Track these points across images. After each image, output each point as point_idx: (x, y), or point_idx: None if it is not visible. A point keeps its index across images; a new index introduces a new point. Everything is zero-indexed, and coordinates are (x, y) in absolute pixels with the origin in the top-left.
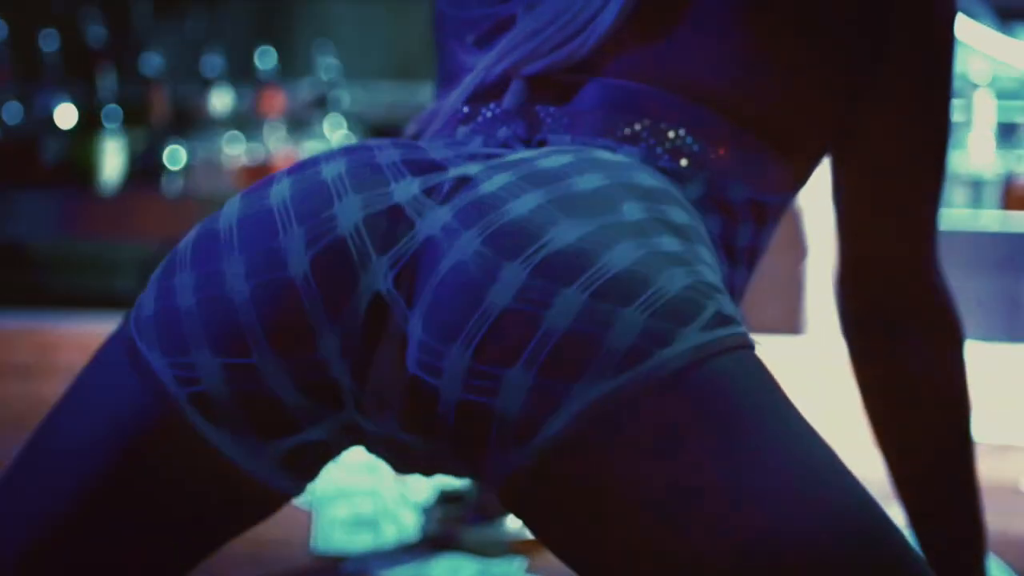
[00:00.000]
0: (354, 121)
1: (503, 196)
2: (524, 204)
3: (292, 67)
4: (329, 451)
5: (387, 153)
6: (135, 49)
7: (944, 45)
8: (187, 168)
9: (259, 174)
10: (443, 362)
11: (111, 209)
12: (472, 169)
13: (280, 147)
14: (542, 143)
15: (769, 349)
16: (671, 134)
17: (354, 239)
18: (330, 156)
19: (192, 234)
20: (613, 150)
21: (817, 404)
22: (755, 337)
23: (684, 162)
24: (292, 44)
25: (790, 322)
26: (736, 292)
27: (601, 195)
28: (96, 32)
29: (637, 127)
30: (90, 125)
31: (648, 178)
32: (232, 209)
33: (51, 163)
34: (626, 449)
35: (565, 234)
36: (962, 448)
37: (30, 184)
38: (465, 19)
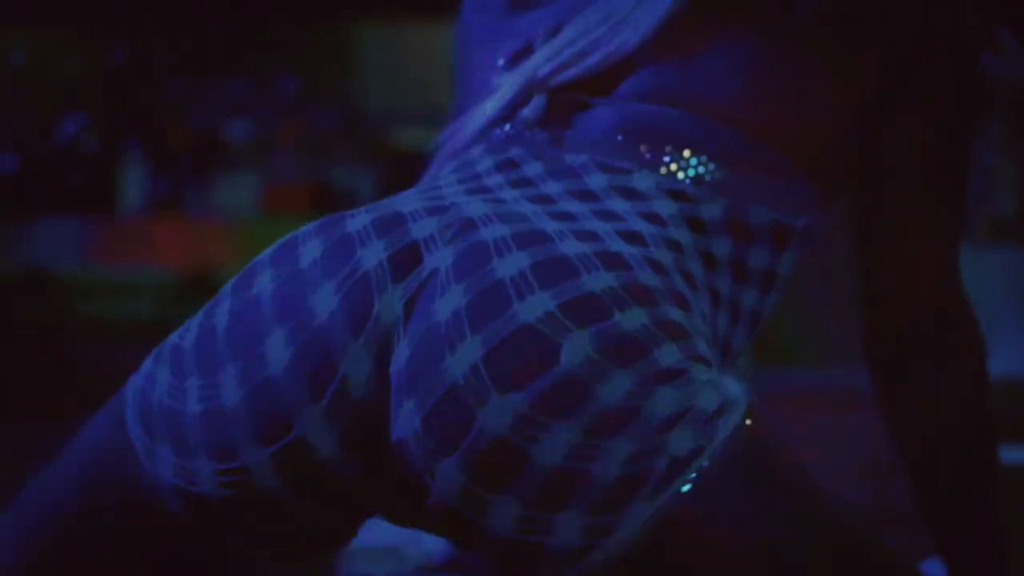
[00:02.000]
0: (376, 147)
1: (492, 253)
2: (509, 266)
3: (315, 94)
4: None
5: (410, 203)
6: (157, 75)
7: (971, 68)
8: (210, 193)
9: (280, 199)
10: (435, 480)
11: (133, 234)
12: (477, 211)
13: (302, 173)
14: (555, 163)
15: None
16: (692, 160)
17: (376, 272)
18: (355, 213)
19: (193, 332)
20: (629, 172)
21: None
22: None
23: (703, 187)
24: (315, 71)
25: None
26: (745, 312)
27: (573, 264)
28: (120, 59)
29: (657, 151)
30: (113, 151)
31: (666, 208)
32: (264, 278)
33: (73, 189)
34: (684, 547)
35: (527, 311)
36: (987, 471)
37: (53, 210)
38: (491, 32)
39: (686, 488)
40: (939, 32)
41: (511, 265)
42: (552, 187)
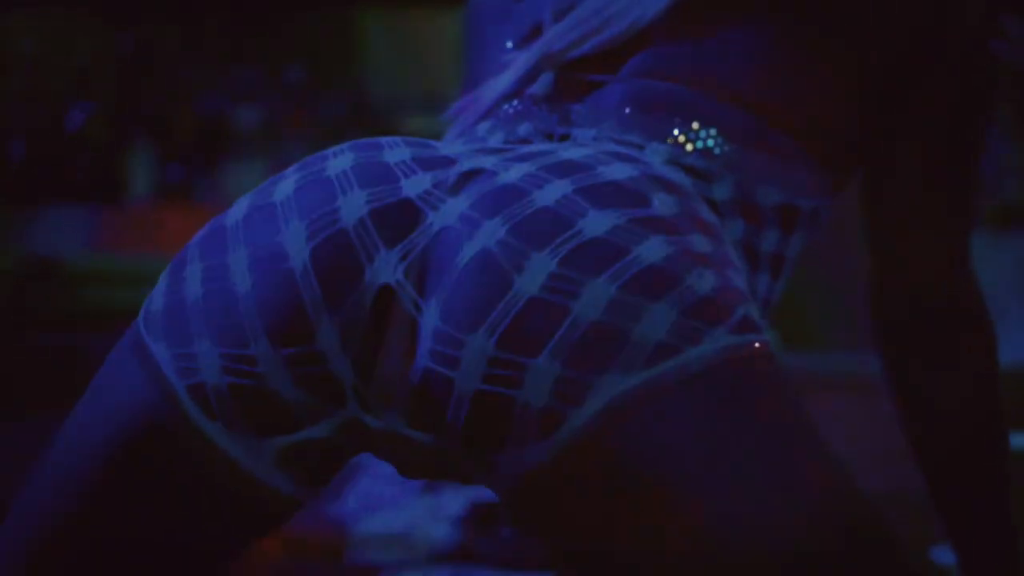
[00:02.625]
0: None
1: (525, 186)
2: (550, 194)
3: (323, 81)
4: (334, 453)
5: (397, 151)
6: (166, 63)
7: (986, 56)
8: (218, 180)
9: None
10: (462, 351)
11: (142, 221)
12: (487, 161)
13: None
14: (565, 138)
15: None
16: (702, 133)
17: (358, 232)
18: (338, 152)
19: (203, 230)
20: (641, 147)
21: None
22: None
23: (713, 162)
24: (323, 58)
25: None
26: (758, 298)
27: (630, 186)
28: (127, 46)
29: (666, 124)
30: (120, 139)
31: (676, 175)
32: (240, 205)
33: (82, 177)
34: (649, 445)
35: (595, 225)
36: (997, 459)
37: (61, 198)
38: (502, 12)
39: (665, 374)
40: (947, 17)
41: (552, 192)
42: (570, 152)
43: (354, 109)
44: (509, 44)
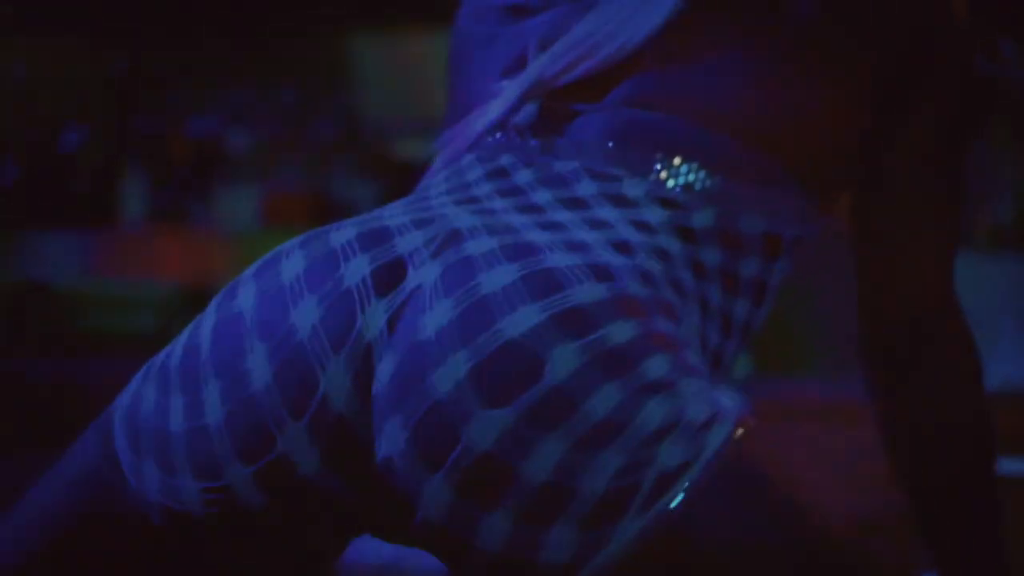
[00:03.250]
0: (376, 158)
1: (479, 267)
2: (496, 280)
3: (316, 104)
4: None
5: (396, 217)
6: (158, 88)
7: (967, 74)
8: (211, 205)
9: (280, 210)
10: (422, 487)
11: (135, 246)
12: (464, 223)
13: (302, 184)
14: (545, 170)
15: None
16: (683, 168)
17: (359, 289)
18: (341, 226)
19: (179, 351)
20: (619, 179)
21: None
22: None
23: (693, 195)
24: (315, 82)
25: None
26: (735, 323)
27: (564, 275)
28: (120, 70)
29: (648, 160)
30: (114, 163)
31: (646, 213)
32: (247, 292)
33: (75, 201)
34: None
35: (515, 325)
36: (985, 483)
37: (54, 222)
38: (488, 40)
39: (676, 501)
40: (935, 38)
41: (498, 278)
42: (542, 196)
43: (346, 133)
44: (498, 68)
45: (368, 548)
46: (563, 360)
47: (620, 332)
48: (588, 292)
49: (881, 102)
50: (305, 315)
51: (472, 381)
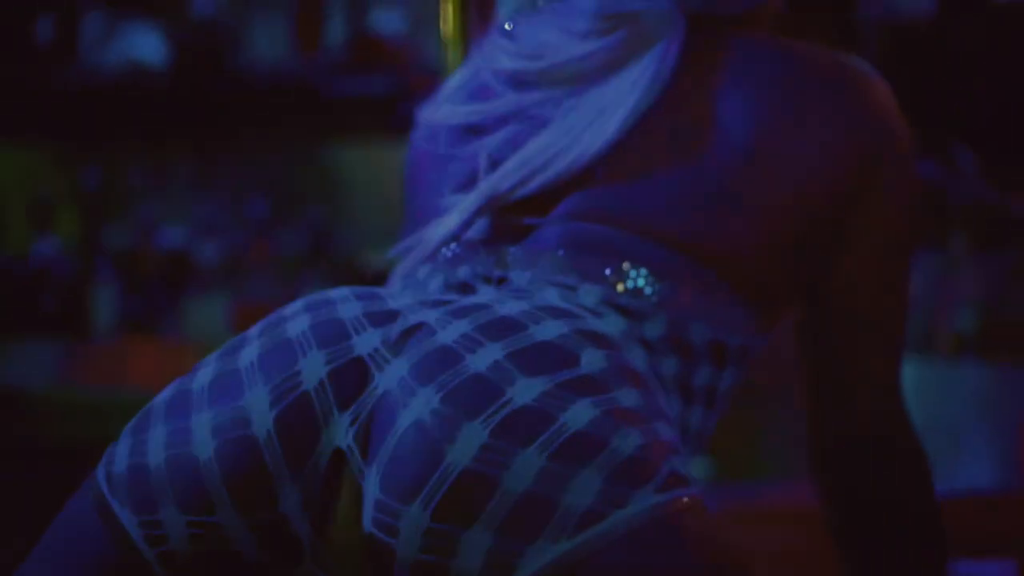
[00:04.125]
0: (349, 268)
1: (460, 350)
2: (482, 360)
3: (284, 215)
4: None
5: (349, 306)
6: (128, 201)
7: (910, 195)
8: (181, 315)
9: (251, 320)
10: (400, 522)
11: (106, 357)
12: (429, 316)
13: (272, 294)
14: (503, 281)
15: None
16: (632, 273)
17: (319, 394)
18: (295, 312)
19: (167, 391)
20: (574, 288)
21: None
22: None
23: (644, 301)
24: (284, 192)
25: None
26: (691, 432)
27: (560, 346)
28: (89, 183)
29: (599, 266)
30: (85, 274)
31: (606, 323)
32: (206, 370)
33: (46, 311)
34: None
35: (524, 393)
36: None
37: (26, 332)
38: (443, 159)
39: (592, 541)
40: (874, 170)
41: (486, 357)
42: (507, 307)
43: (316, 243)
44: (452, 184)
45: None
46: (578, 414)
47: (591, 362)
48: (590, 359)
49: (818, 229)
50: (257, 408)
51: (493, 440)
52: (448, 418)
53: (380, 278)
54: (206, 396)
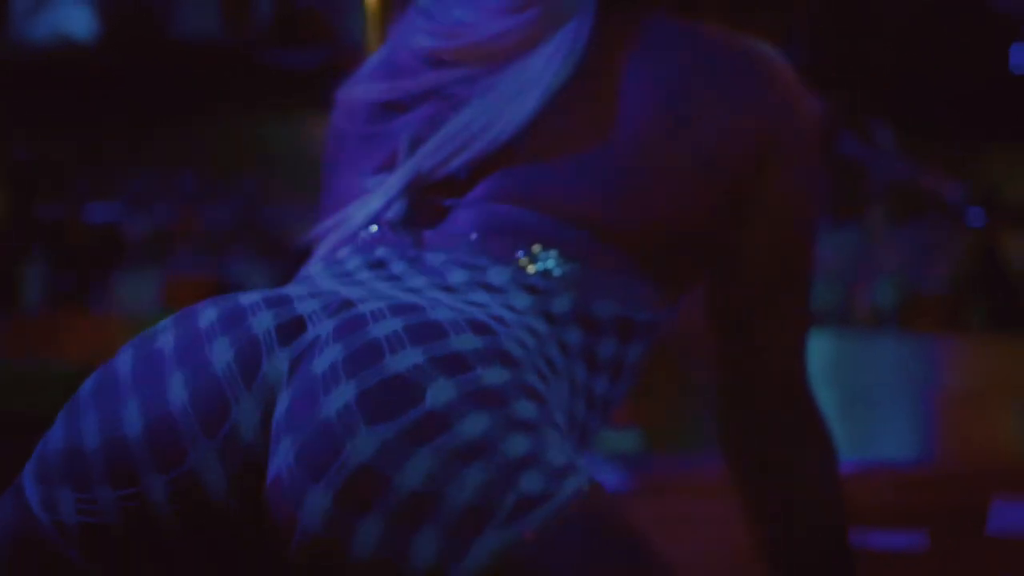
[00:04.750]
0: (277, 242)
1: (384, 348)
2: (402, 361)
3: (213, 189)
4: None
5: (295, 288)
6: (58, 175)
7: (812, 173)
8: (110, 288)
9: (180, 294)
10: (306, 497)
11: (35, 329)
12: (354, 293)
13: (201, 268)
14: (416, 262)
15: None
16: (542, 255)
17: (226, 376)
18: (250, 293)
19: (93, 379)
20: (484, 269)
21: None
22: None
23: (553, 281)
24: (214, 166)
25: None
26: (597, 399)
27: (469, 359)
28: (20, 153)
29: (510, 248)
30: (15, 248)
31: (512, 299)
32: (126, 356)
33: None
34: None
35: (437, 395)
36: (844, 559)
37: None
38: (362, 138)
39: (534, 526)
40: (777, 145)
41: (385, 327)
42: (418, 281)
43: (245, 217)
44: (369, 170)
45: None
46: (440, 390)
47: (494, 376)
48: (467, 341)
49: (722, 206)
50: (219, 352)
51: (359, 404)
52: (338, 371)
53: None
54: (174, 357)
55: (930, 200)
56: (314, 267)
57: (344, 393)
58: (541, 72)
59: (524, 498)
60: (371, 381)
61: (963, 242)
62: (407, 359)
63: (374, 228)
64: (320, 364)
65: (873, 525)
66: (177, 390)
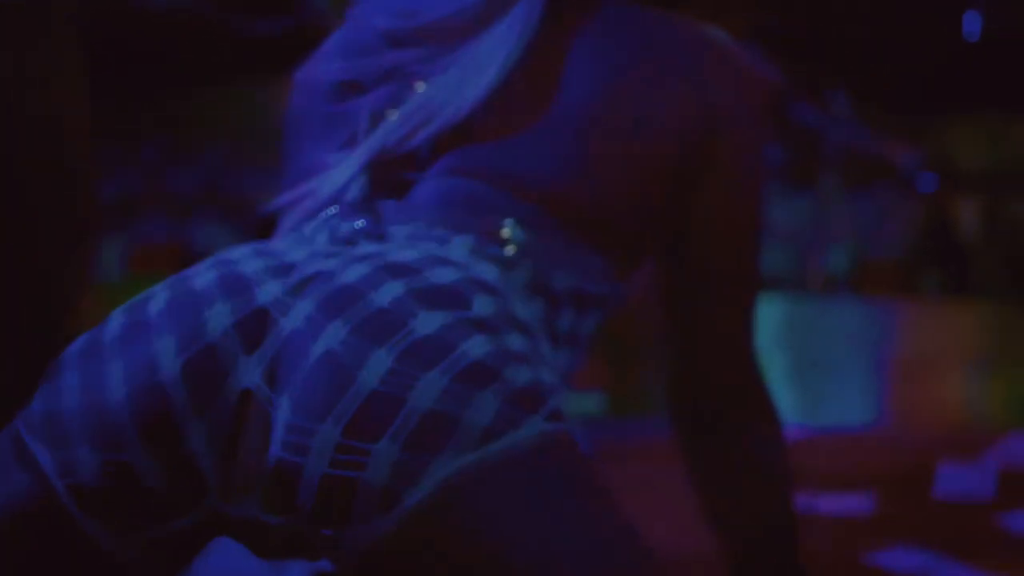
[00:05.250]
0: (241, 208)
1: (363, 287)
2: (385, 295)
3: (178, 157)
4: (197, 538)
5: (251, 262)
6: None
7: (759, 154)
8: None
9: (145, 260)
10: (312, 439)
11: None
12: (326, 264)
13: (166, 234)
14: (381, 236)
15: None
16: (500, 226)
17: (223, 343)
18: (204, 269)
19: (80, 341)
20: (447, 241)
21: None
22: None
23: (511, 252)
24: (178, 134)
25: None
26: (559, 368)
27: (454, 289)
28: None
29: (470, 220)
30: None
31: (487, 271)
32: (116, 322)
33: None
34: (479, 515)
35: (426, 324)
36: (788, 522)
37: None
38: (323, 115)
39: (493, 455)
40: (724, 124)
41: (389, 292)
42: (400, 254)
43: (209, 184)
44: (330, 147)
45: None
46: (429, 321)
47: (483, 307)
48: (482, 304)
49: (669, 185)
50: (166, 358)
51: (398, 365)
52: (356, 346)
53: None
54: (118, 345)
55: (884, 167)
56: (283, 242)
57: (338, 331)
58: (497, 49)
59: (486, 426)
60: (360, 315)
61: (916, 209)
62: (389, 293)
63: (338, 203)
64: (298, 320)
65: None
66: (116, 385)
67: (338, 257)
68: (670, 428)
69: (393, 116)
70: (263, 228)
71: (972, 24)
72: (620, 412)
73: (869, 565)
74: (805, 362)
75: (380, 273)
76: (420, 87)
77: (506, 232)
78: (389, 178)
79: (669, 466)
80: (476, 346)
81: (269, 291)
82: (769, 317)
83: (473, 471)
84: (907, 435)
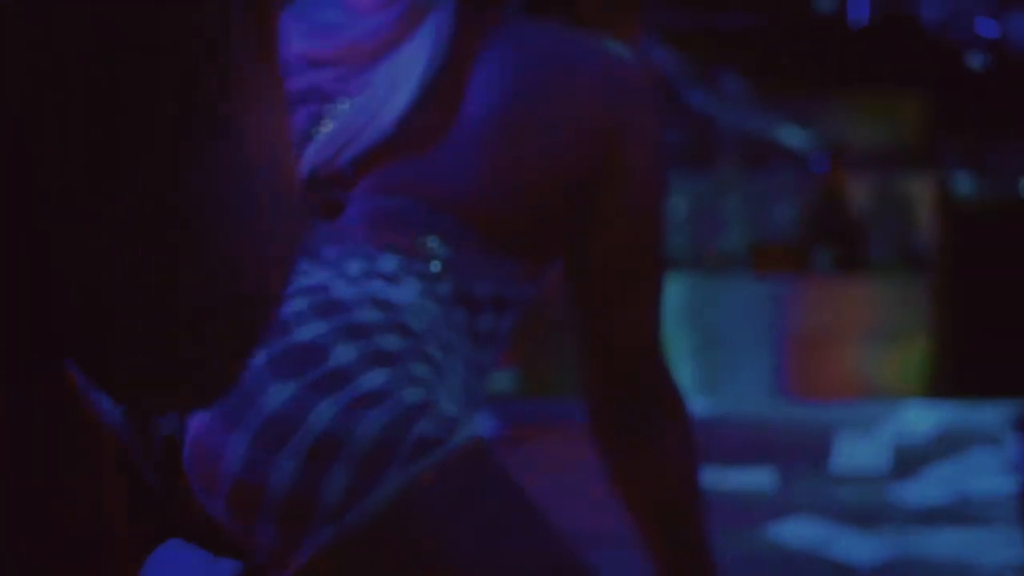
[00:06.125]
0: None
1: (292, 323)
2: (308, 332)
3: None
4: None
5: None
6: None
7: (655, 165)
8: None
9: None
10: (226, 449)
11: None
12: None
13: None
14: (315, 256)
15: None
16: (425, 242)
17: None
18: None
19: None
20: (374, 259)
21: None
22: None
23: (436, 266)
24: None
25: None
26: (484, 368)
27: (372, 328)
28: None
29: (396, 238)
30: None
31: (401, 290)
32: None
33: None
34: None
35: (340, 356)
36: (696, 501)
37: None
38: None
39: (430, 467)
40: (617, 141)
41: (293, 307)
42: (321, 274)
43: None
44: None
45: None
46: (344, 353)
47: (390, 343)
48: (367, 314)
49: (575, 193)
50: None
51: (268, 367)
52: (263, 379)
53: None
54: None
55: (777, 148)
56: None
57: (255, 360)
58: (411, 67)
59: (423, 438)
60: (278, 348)
61: (808, 188)
62: (312, 330)
63: None
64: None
65: (729, 463)
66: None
67: None
68: (587, 424)
69: (316, 137)
70: None
71: (859, 8)
72: (534, 391)
73: (770, 538)
74: (705, 340)
75: (312, 312)
76: (341, 107)
77: (431, 248)
78: (317, 199)
79: (583, 445)
80: (374, 378)
81: None
82: (669, 298)
83: (413, 489)
84: (806, 409)
